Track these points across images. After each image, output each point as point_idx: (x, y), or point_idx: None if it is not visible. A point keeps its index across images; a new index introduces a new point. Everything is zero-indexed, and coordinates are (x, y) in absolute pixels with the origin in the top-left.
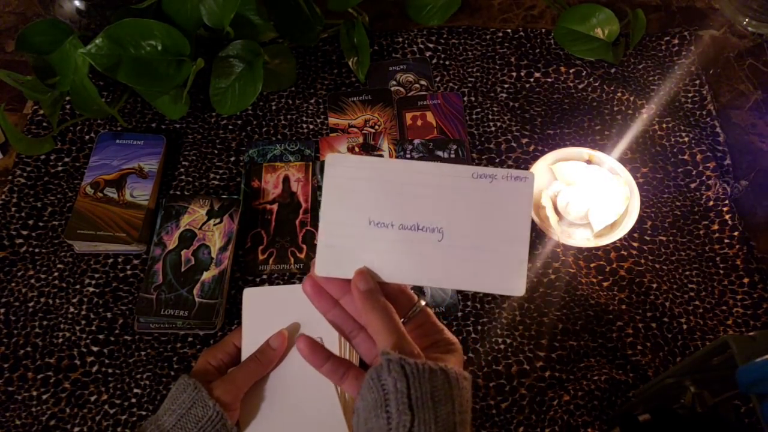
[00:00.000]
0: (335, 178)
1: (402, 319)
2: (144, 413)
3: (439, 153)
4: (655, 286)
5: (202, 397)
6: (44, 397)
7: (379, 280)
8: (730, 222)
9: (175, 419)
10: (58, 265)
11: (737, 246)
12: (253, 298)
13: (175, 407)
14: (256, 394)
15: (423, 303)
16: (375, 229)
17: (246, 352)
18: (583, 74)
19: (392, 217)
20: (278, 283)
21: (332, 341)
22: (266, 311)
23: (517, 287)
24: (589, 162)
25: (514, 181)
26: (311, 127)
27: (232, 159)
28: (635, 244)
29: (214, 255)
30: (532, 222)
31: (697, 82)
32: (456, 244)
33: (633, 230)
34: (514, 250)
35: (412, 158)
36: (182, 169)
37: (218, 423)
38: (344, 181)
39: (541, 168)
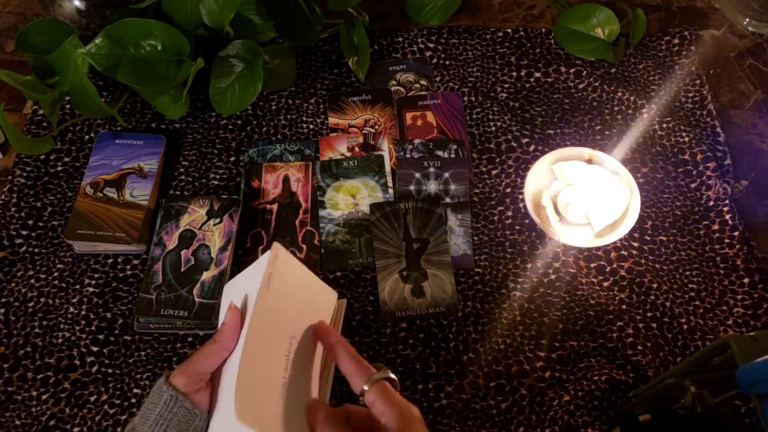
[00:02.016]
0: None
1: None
2: None
3: (439, 153)
4: (655, 286)
5: (159, 384)
6: (44, 397)
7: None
8: (730, 222)
9: (141, 410)
10: (58, 265)
11: (737, 246)
12: (229, 290)
13: (146, 401)
14: (224, 378)
15: (379, 376)
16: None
17: None
18: (584, 74)
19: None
20: None
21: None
22: (239, 297)
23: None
24: (589, 162)
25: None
26: (311, 127)
27: (232, 159)
28: (635, 244)
29: (213, 255)
30: (533, 222)
31: (698, 82)
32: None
33: (633, 230)
34: None
35: (411, 158)
36: (182, 169)
37: (174, 406)
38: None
39: (541, 168)
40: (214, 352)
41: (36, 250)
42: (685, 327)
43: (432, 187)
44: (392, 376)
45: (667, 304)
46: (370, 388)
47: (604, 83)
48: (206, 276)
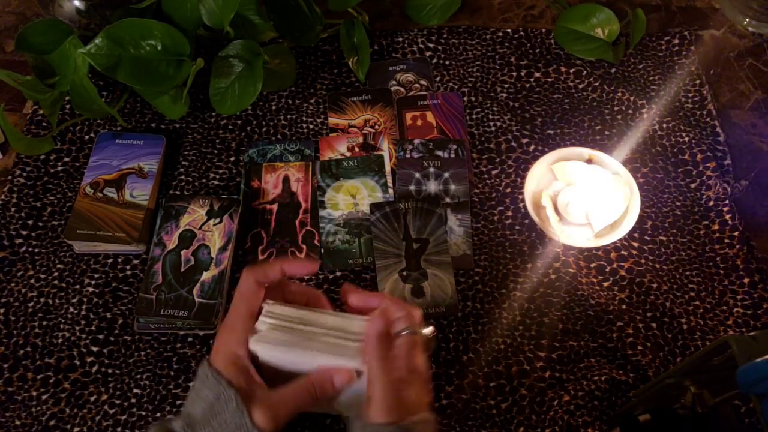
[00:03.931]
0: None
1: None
2: (144, 413)
3: (439, 153)
4: (655, 286)
5: (246, 425)
6: (44, 397)
7: None
8: (730, 222)
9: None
10: (58, 265)
11: (737, 246)
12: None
13: (215, 425)
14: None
15: (414, 330)
16: None
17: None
18: (584, 74)
19: None
20: None
21: None
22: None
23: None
24: (589, 162)
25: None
26: (311, 127)
27: (232, 159)
28: (635, 244)
29: (213, 255)
30: (533, 222)
31: (698, 82)
32: None
33: (633, 230)
34: None
35: (411, 158)
36: (182, 169)
37: None
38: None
39: (541, 168)
40: (308, 402)
41: (36, 250)
42: (685, 327)
43: (432, 187)
44: (420, 330)
45: (667, 304)
46: (398, 340)
47: (604, 83)
48: (206, 276)
